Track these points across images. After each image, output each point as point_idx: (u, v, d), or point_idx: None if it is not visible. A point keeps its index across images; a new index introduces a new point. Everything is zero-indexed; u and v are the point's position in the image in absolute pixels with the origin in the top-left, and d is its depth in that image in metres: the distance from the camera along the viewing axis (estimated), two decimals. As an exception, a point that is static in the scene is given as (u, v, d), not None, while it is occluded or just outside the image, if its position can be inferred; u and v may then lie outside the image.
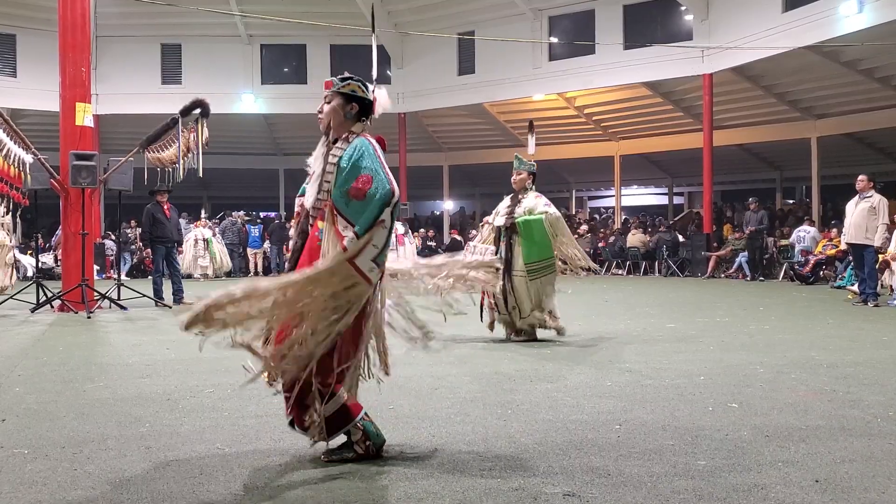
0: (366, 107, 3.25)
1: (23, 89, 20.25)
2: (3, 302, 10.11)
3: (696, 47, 18.39)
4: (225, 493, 2.78)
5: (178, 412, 4.08)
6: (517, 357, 5.96)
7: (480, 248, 6.92)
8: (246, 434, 3.60)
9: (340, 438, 3.18)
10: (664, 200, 29.68)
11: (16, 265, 12.21)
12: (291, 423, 3.21)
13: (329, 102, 3.25)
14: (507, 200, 7.03)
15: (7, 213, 10.83)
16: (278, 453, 3.28)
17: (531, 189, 6.97)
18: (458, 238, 22.12)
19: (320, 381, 3.04)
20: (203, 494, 2.77)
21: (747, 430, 3.61)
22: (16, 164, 9.86)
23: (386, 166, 3.09)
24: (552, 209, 6.83)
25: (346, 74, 3.30)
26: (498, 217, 6.99)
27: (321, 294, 2.91)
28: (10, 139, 9.89)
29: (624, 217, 24.83)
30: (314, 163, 3.24)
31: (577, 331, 7.54)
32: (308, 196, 3.23)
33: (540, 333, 6.89)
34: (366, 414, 3.19)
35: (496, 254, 6.73)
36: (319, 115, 3.27)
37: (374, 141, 3.18)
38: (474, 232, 6.16)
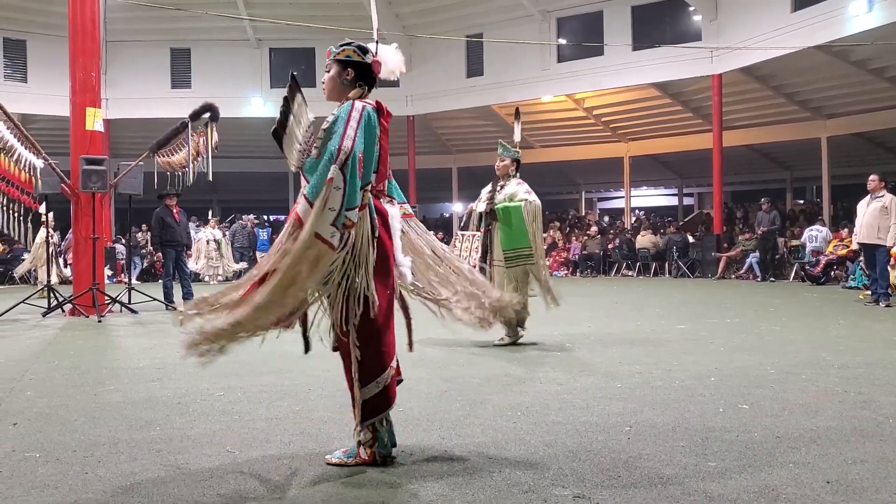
0: (363, 71, 3.19)
1: (33, 94, 20.37)
2: (14, 307, 10.17)
3: (705, 48, 18.34)
4: (235, 497, 2.79)
5: (188, 415, 4.09)
6: (526, 359, 5.95)
7: (468, 234, 6.85)
8: (256, 437, 3.60)
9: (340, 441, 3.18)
10: (674, 201, 29.60)
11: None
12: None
13: (328, 71, 3.23)
14: (489, 186, 6.94)
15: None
16: (288, 457, 3.28)
17: (514, 176, 6.86)
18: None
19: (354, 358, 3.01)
20: (213, 498, 2.77)
21: (758, 431, 3.60)
22: (26, 169, 9.93)
23: (353, 126, 2.96)
24: (532, 197, 6.69)
25: (347, 40, 3.24)
26: (479, 203, 6.92)
27: (305, 267, 2.84)
28: (21, 144, 9.96)
29: (640, 214, 24.70)
30: None
31: (587, 332, 7.53)
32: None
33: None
34: (385, 418, 3.11)
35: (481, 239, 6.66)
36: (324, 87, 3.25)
37: (360, 104, 3.05)
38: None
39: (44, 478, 3.02)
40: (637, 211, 25.07)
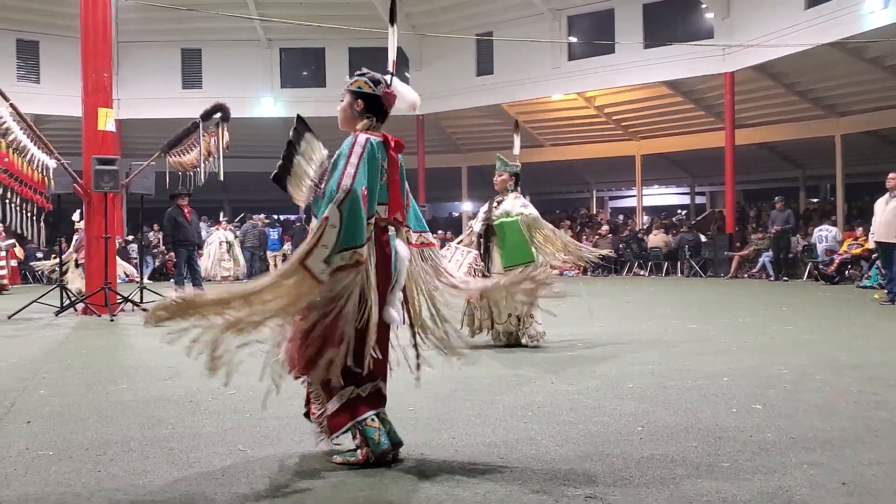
0: (373, 103, 3.21)
1: (46, 95, 20.49)
2: (27, 306, 10.23)
3: (717, 45, 18.24)
4: (247, 495, 2.79)
5: (200, 414, 4.10)
6: (537, 359, 5.94)
7: (462, 249, 6.78)
8: (267, 436, 3.60)
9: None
10: (686, 200, 29.48)
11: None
12: (306, 415, 3.26)
13: (342, 101, 3.26)
14: (485, 206, 6.87)
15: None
16: (299, 455, 3.28)
17: (512, 191, 6.77)
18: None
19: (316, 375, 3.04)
20: (225, 496, 2.77)
21: (772, 431, 3.57)
22: (39, 169, 9.99)
23: (354, 163, 2.98)
24: (529, 210, 6.61)
25: (362, 70, 3.26)
26: (477, 223, 6.84)
27: (275, 295, 2.87)
28: (34, 144, 10.01)
29: (659, 213, 24.56)
30: None
31: (598, 332, 7.50)
32: None
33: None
34: (376, 418, 3.09)
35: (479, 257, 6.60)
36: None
37: (363, 137, 3.08)
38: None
39: (57, 476, 3.03)
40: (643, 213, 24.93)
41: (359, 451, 3.09)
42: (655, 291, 14.10)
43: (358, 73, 3.25)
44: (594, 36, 20.62)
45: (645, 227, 22.35)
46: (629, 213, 27.37)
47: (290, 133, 3.20)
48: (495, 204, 6.75)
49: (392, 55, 3.36)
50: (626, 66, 19.78)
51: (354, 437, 3.10)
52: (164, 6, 17.81)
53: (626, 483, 2.86)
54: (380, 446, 3.06)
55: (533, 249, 6.53)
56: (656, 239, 19.97)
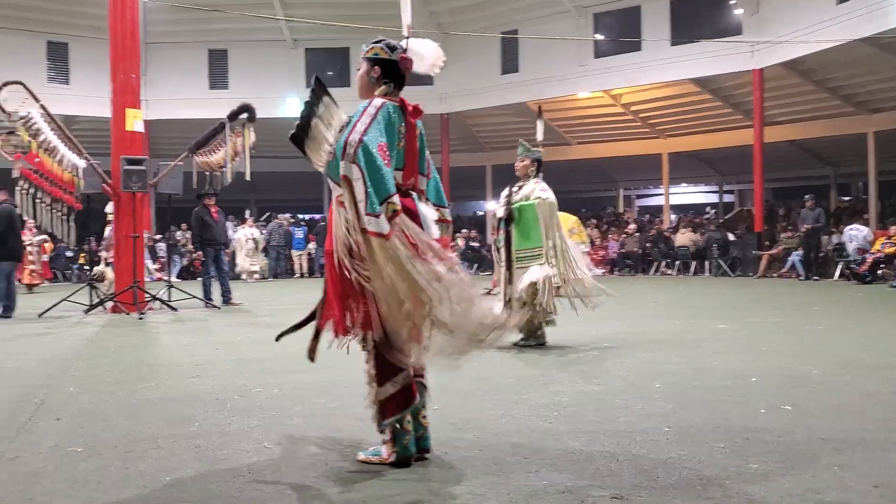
0: (390, 68, 3.16)
1: (75, 96, 20.78)
2: (57, 304, 10.38)
3: (746, 42, 18.03)
4: (273, 492, 2.80)
5: (226, 412, 4.13)
6: (562, 359, 5.91)
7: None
8: (293, 434, 3.62)
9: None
10: (714, 198, 29.17)
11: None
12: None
13: (359, 69, 3.25)
14: (507, 189, 6.81)
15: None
16: (325, 453, 3.29)
17: (534, 176, 6.71)
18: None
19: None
20: (251, 493, 2.79)
21: (801, 432, 3.51)
22: (69, 169, 10.14)
23: (365, 121, 2.93)
24: (548, 194, 6.50)
25: (378, 38, 3.23)
26: (499, 208, 6.79)
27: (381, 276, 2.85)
28: (64, 145, 10.17)
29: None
30: None
31: (625, 332, 7.45)
32: None
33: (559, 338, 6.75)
34: (412, 419, 3.07)
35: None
36: None
37: (378, 101, 3.04)
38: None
39: (86, 472, 3.06)
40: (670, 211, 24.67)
41: (384, 449, 3.07)
42: (683, 291, 13.98)
43: (374, 40, 3.22)
44: (620, 33, 20.48)
45: (672, 226, 22.18)
46: (656, 211, 27.15)
47: (308, 94, 3.12)
48: (515, 188, 6.72)
49: (406, 19, 3.30)
50: (653, 63, 19.64)
51: (384, 433, 3.08)
52: (191, 7, 17.98)
53: (653, 484, 2.83)
54: (406, 451, 3.05)
55: (543, 235, 6.38)
56: (684, 238, 19.80)
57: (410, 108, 3.15)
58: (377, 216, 2.82)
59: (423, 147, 3.25)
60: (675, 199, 27.61)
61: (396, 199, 2.90)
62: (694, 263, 19.46)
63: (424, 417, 3.16)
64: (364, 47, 3.23)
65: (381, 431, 3.08)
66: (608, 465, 3.06)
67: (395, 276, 2.83)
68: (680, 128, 22.83)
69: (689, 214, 24.22)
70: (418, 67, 3.21)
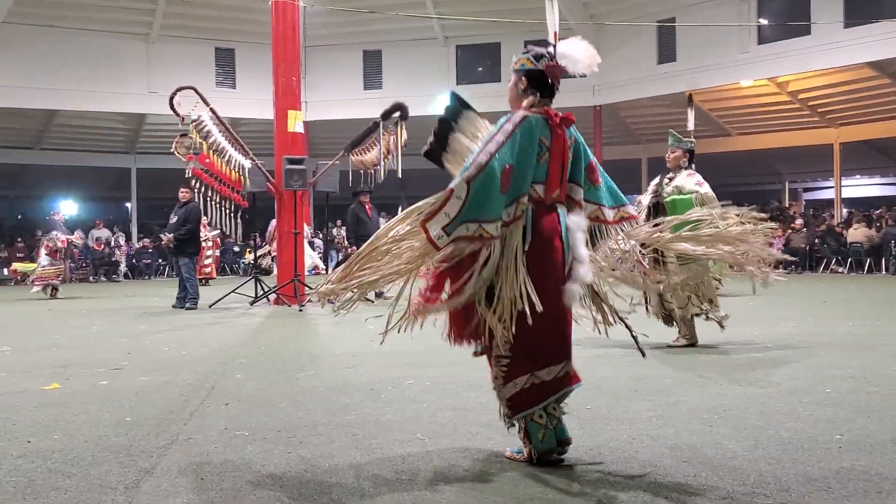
0: (536, 79, 3.10)
1: (241, 100, 22.04)
2: (226, 296, 11.08)
3: (931, 19, 16.50)
4: (425, 482, 2.83)
5: (380, 402, 4.23)
6: (722, 360, 5.63)
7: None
8: (444, 427, 3.65)
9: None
10: (892, 191, 26.94)
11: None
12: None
13: (510, 81, 3.22)
14: (657, 179, 6.56)
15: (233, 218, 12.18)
16: (475, 448, 3.29)
17: (686, 168, 6.42)
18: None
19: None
20: (405, 482, 2.83)
21: None
22: (236, 169, 10.79)
23: (500, 140, 2.91)
24: (704, 188, 6.19)
25: (526, 48, 3.17)
26: (646, 196, 6.54)
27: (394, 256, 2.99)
28: (232, 146, 10.83)
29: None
30: None
31: (791, 333, 7.00)
32: None
33: (707, 336, 6.40)
34: (544, 413, 3.00)
35: None
36: None
37: (520, 114, 3.00)
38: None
39: (252, 455, 3.23)
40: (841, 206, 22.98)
41: (523, 443, 3.05)
42: (856, 290, 13.00)
43: (523, 50, 3.18)
44: (787, 17, 19.30)
45: (844, 221, 20.69)
46: (826, 205, 25.41)
47: (444, 111, 3.15)
48: (666, 180, 6.47)
49: (553, 27, 3.21)
50: (823, 47, 18.36)
51: (519, 431, 3.06)
52: (348, 9, 18.63)
53: (824, 494, 2.63)
54: (543, 444, 2.99)
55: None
56: (857, 233, 18.43)
57: (557, 120, 3.07)
58: (447, 234, 2.83)
59: (578, 155, 3.18)
60: (848, 192, 25.73)
61: (494, 228, 2.87)
62: (869, 261, 18.07)
63: (555, 409, 3.04)
64: (513, 58, 3.20)
65: (508, 428, 3.09)
66: (773, 472, 2.87)
67: (409, 266, 2.95)
68: (853, 115, 21.23)
69: (863, 208, 22.50)
70: (572, 70, 3.15)
